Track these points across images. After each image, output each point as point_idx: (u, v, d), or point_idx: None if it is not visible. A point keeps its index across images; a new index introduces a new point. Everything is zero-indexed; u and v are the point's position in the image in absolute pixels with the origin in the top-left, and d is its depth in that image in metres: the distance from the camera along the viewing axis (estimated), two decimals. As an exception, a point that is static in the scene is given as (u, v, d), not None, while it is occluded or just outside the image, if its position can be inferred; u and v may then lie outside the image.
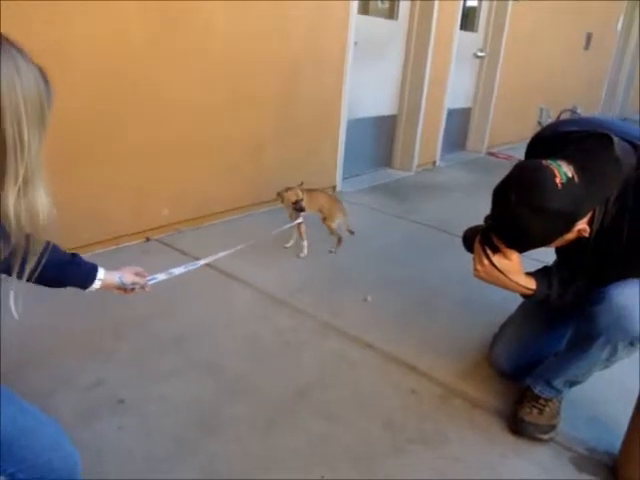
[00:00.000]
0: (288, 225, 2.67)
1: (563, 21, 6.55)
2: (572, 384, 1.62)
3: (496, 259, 1.50)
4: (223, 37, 2.86)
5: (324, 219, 2.86)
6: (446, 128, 5.13)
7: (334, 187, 4.02)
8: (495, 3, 5.35)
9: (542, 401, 1.64)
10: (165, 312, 2.16)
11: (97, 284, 1.33)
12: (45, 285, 1.20)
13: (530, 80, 6.28)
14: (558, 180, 1.29)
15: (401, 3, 4.30)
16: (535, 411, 1.63)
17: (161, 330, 2.04)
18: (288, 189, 2.69)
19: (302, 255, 2.83)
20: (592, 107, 8.24)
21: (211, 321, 2.14)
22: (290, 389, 1.78)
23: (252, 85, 3.13)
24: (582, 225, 1.39)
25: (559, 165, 1.32)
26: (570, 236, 1.42)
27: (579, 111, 6.69)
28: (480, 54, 5.46)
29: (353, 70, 3.81)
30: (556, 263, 1.77)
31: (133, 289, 1.42)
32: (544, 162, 1.35)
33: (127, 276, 1.40)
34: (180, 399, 1.68)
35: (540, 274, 1.61)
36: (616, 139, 1.36)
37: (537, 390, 1.65)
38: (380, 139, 4.70)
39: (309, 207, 2.76)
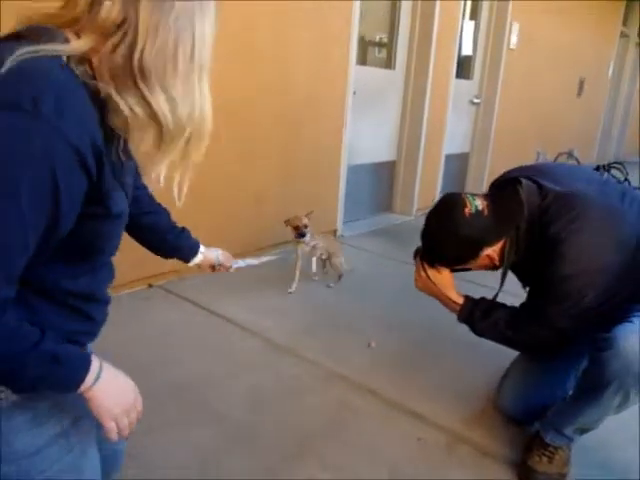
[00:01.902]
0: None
1: (556, 68, 6.73)
2: (583, 431, 1.59)
3: (430, 272, 1.73)
4: (226, 86, 2.94)
5: (328, 258, 3.05)
6: (445, 173, 5.20)
7: (335, 231, 4.05)
8: (489, 52, 5.52)
9: (552, 449, 1.60)
10: (166, 360, 2.14)
11: (199, 257, 1.41)
12: (157, 252, 1.34)
13: (526, 125, 6.41)
14: (467, 210, 1.52)
15: (398, 53, 4.44)
16: (545, 459, 1.59)
17: (162, 379, 2.02)
18: (296, 217, 2.86)
19: (290, 290, 2.94)
20: (588, 150, 8.37)
21: (213, 369, 2.12)
22: (293, 437, 1.75)
23: (255, 133, 3.20)
24: (490, 252, 1.58)
25: (474, 198, 1.55)
26: (482, 261, 1.62)
27: (575, 154, 6.80)
28: (476, 101, 5.59)
29: (352, 118, 3.90)
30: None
31: (220, 269, 1.50)
32: (463, 195, 1.57)
33: (222, 256, 1.48)
34: (182, 449, 1.65)
35: (472, 298, 1.75)
36: (525, 182, 1.55)
37: (548, 439, 1.61)
38: (380, 184, 4.76)
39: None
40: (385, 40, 4.46)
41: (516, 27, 5.55)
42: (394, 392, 2.03)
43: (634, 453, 1.64)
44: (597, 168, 5.80)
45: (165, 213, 1.30)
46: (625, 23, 8.62)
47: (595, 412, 1.50)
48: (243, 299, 2.79)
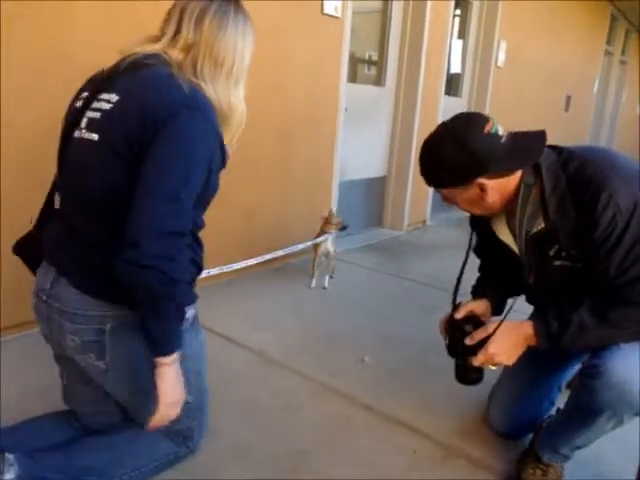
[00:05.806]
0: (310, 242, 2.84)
1: (543, 85, 6.85)
2: (579, 448, 1.60)
3: (478, 333, 1.53)
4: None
5: (327, 256, 3.33)
6: (435, 188, 5.24)
7: (327, 247, 4.06)
8: (478, 69, 5.62)
9: (546, 461, 1.61)
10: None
11: None
12: None
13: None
14: (487, 128, 1.38)
15: (388, 71, 4.51)
16: (539, 472, 1.60)
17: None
18: (331, 216, 3.27)
19: (312, 285, 3.22)
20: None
21: (207, 383, 2.11)
22: (289, 452, 1.75)
23: (248, 149, 3.22)
24: (483, 183, 1.40)
25: (497, 124, 1.42)
26: (470, 193, 1.45)
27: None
28: (465, 117, 5.65)
29: (344, 134, 3.95)
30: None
31: None
32: (488, 115, 1.46)
33: None
34: (177, 464, 1.64)
35: (537, 317, 1.51)
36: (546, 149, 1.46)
37: (545, 458, 1.61)
38: (371, 199, 4.79)
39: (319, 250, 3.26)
40: (375, 58, 4.53)
41: (503, 45, 5.67)
42: (389, 406, 2.04)
43: (627, 465, 1.66)
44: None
45: None
46: (609, 42, 8.81)
47: (590, 434, 1.50)
48: (235, 311, 2.80)
